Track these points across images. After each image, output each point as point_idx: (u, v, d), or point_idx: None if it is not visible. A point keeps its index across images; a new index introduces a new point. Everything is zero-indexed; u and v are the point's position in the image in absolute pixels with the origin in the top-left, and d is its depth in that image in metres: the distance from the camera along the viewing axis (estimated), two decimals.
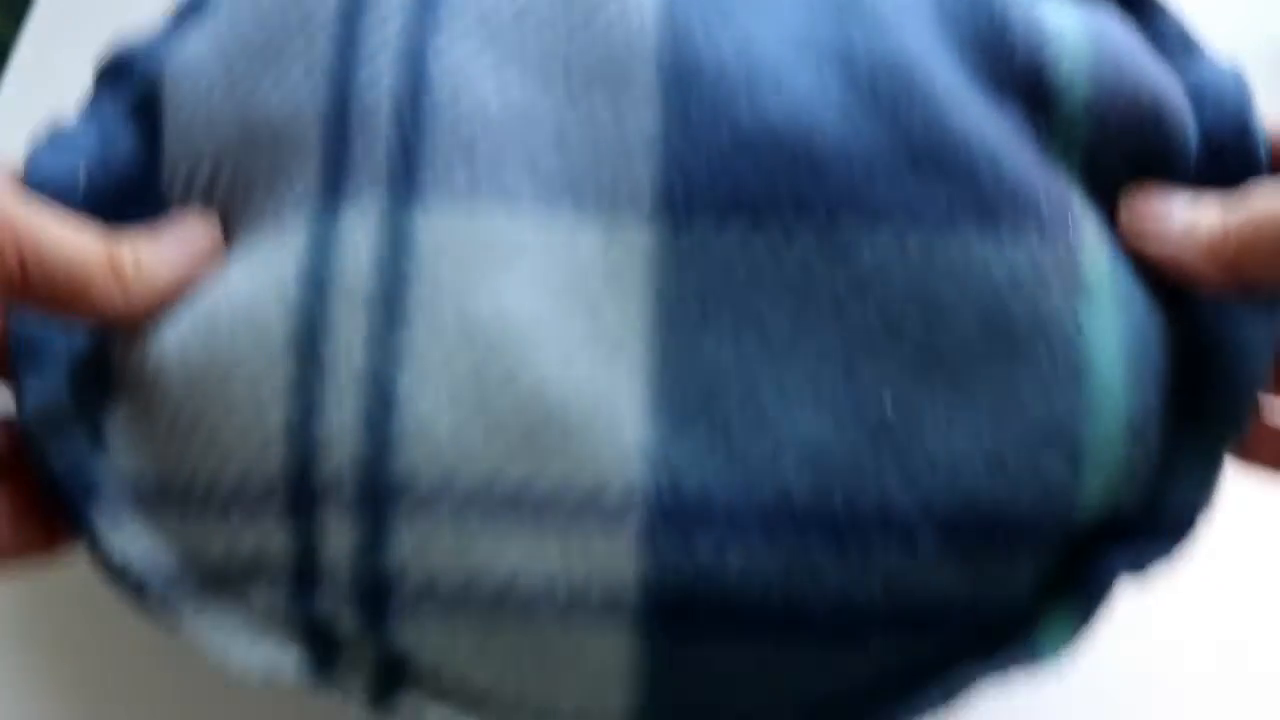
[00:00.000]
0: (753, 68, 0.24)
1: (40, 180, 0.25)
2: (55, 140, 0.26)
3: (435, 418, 0.23)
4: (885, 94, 0.24)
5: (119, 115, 0.27)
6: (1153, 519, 0.24)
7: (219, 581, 0.24)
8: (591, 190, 0.24)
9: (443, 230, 0.23)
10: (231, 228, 0.25)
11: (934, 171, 0.24)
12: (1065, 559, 0.24)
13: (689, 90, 0.24)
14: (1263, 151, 0.25)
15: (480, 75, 0.24)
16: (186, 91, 0.26)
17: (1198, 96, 0.26)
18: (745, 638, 0.23)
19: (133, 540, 0.24)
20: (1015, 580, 0.23)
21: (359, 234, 0.23)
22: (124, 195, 0.26)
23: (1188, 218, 0.24)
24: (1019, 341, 0.23)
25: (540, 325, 0.23)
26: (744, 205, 0.24)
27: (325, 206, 0.24)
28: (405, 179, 0.24)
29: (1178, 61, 0.26)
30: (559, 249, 0.24)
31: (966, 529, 0.23)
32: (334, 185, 0.24)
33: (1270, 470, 0.26)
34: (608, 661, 0.23)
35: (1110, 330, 0.24)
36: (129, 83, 0.27)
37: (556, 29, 0.25)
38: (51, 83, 0.50)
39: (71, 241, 0.22)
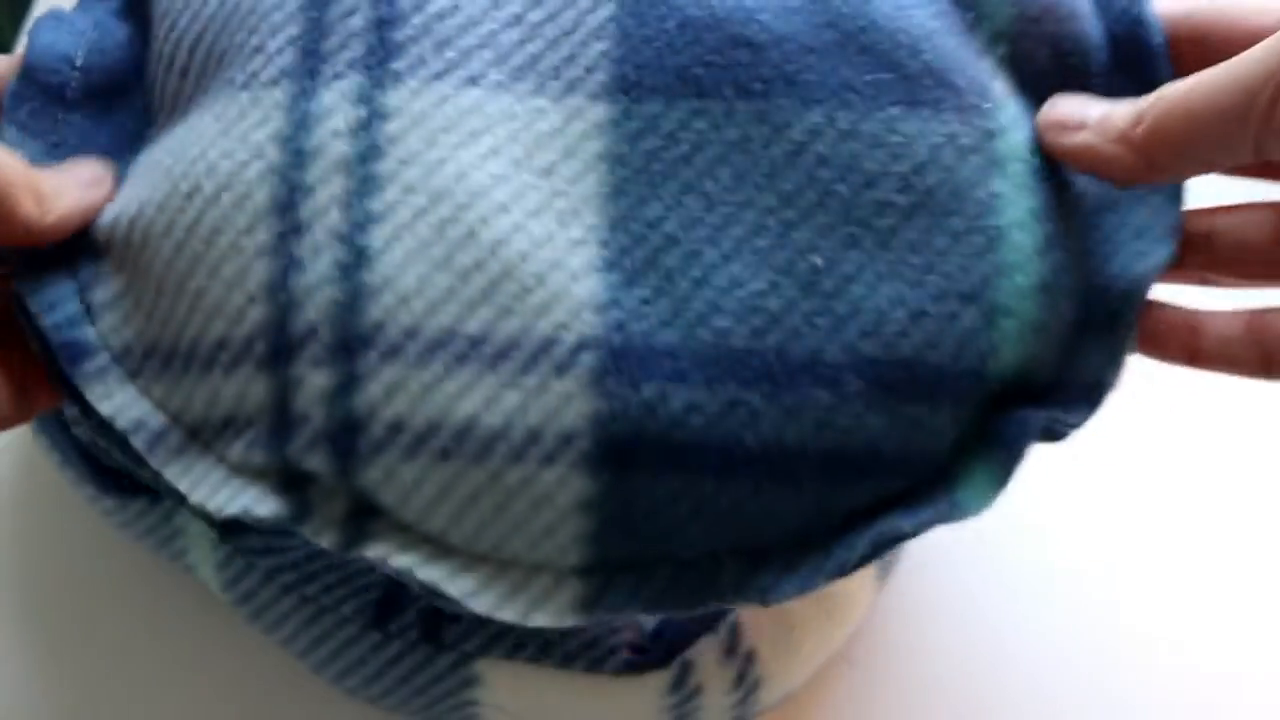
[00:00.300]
0: None
1: (39, 55, 0.28)
2: (56, 21, 0.28)
3: (403, 270, 0.25)
4: None
5: (111, 10, 0.29)
6: (1064, 384, 0.26)
7: (201, 436, 0.25)
8: (551, 73, 0.26)
9: (414, 107, 0.26)
10: (201, 96, 0.28)
11: (862, 57, 0.26)
12: (984, 417, 0.26)
13: None
14: (1160, 51, 0.28)
15: None
16: None
17: (1100, 4, 0.29)
18: (686, 473, 0.24)
19: (119, 401, 0.26)
20: (937, 430, 0.25)
21: (336, 108, 0.26)
22: (116, 83, 0.28)
23: (1103, 109, 0.26)
24: (937, 207, 0.26)
25: (501, 189, 0.25)
26: (689, 85, 0.26)
27: (304, 83, 0.26)
28: (380, 64, 0.26)
29: None
30: (520, 125, 0.26)
31: (889, 374, 0.25)
32: (312, 66, 0.26)
33: (1181, 363, 0.28)
34: (560, 499, 0.24)
35: (1023, 200, 0.26)
36: None
37: None
38: None
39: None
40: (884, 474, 0.25)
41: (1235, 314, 0.28)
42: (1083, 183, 0.27)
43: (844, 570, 0.25)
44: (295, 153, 0.25)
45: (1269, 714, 0.34)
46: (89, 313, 0.26)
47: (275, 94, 0.26)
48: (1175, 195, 0.27)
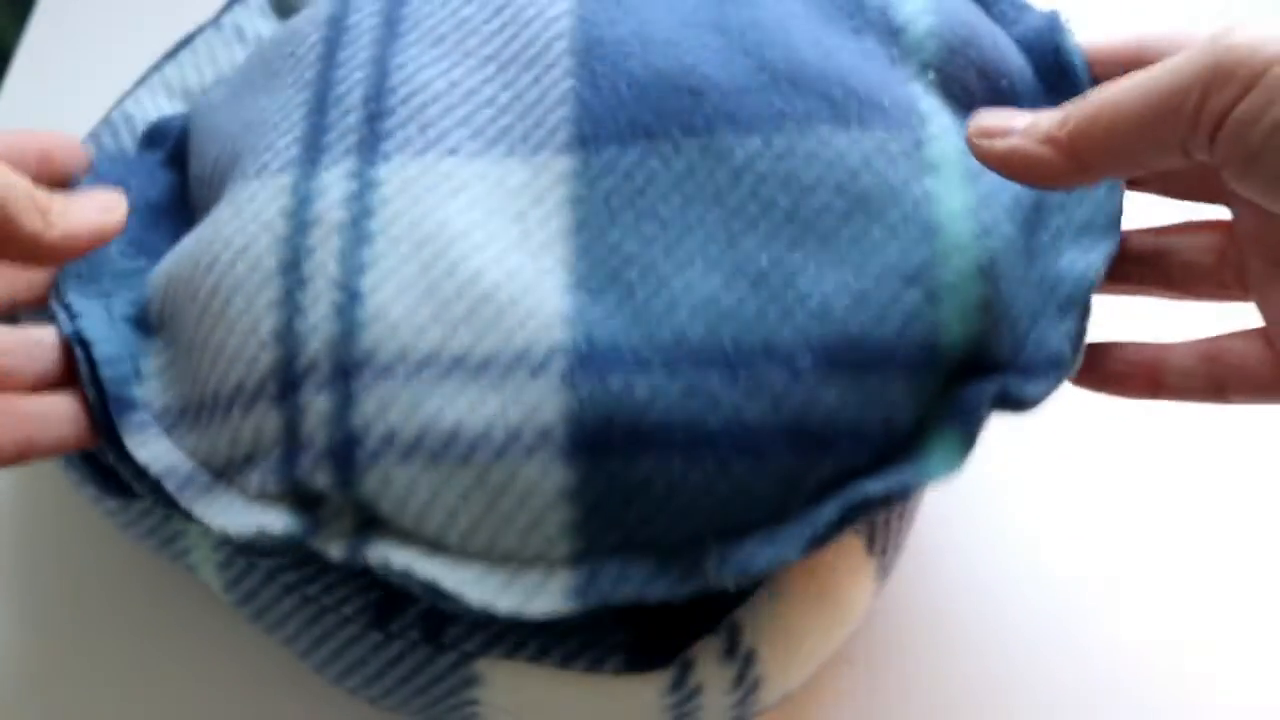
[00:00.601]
0: (646, 38, 0.31)
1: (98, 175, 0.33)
2: (111, 159, 0.34)
3: (392, 304, 0.28)
4: (752, 42, 0.30)
5: (158, 161, 0.35)
6: (1022, 361, 0.28)
7: (225, 475, 0.29)
8: (520, 139, 0.30)
9: (401, 175, 0.29)
10: (220, 192, 0.32)
11: (793, 90, 0.29)
12: (944, 389, 0.27)
13: (594, 58, 0.31)
14: (1079, 66, 0.30)
15: (430, 68, 0.31)
16: (203, 121, 0.34)
17: (1026, 35, 0.32)
18: (657, 455, 0.26)
19: (154, 450, 0.29)
20: (894, 401, 0.27)
21: (334, 184, 0.29)
22: (160, 216, 0.34)
23: (1029, 116, 0.27)
24: (873, 206, 0.28)
25: (478, 232, 0.29)
26: (639, 131, 0.29)
27: (306, 169, 0.30)
28: (371, 145, 0.30)
29: (1009, 17, 0.33)
30: (494, 181, 0.29)
31: (839, 351, 0.27)
32: (314, 156, 0.30)
33: (1146, 397, 0.29)
34: (543, 490, 0.26)
35: (957, 195, 0.28)
36: (164, 141, 0.35)
37: (489, 31, 0.32)
38: (54, 82, 0.50)
39: None
40: (846, 445, 0.27)
41: (1190, 345, 0.29)
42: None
43: (819, 537, 0.26)
44: (299, 223, 0.29)
45: (1266, 716, 0.34)
46: (138, 375, 0.30)
47: (282, 179, 0.30)
48: (1114, 187, 0.29)
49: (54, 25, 0.52)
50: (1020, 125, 0.27)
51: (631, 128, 0.29)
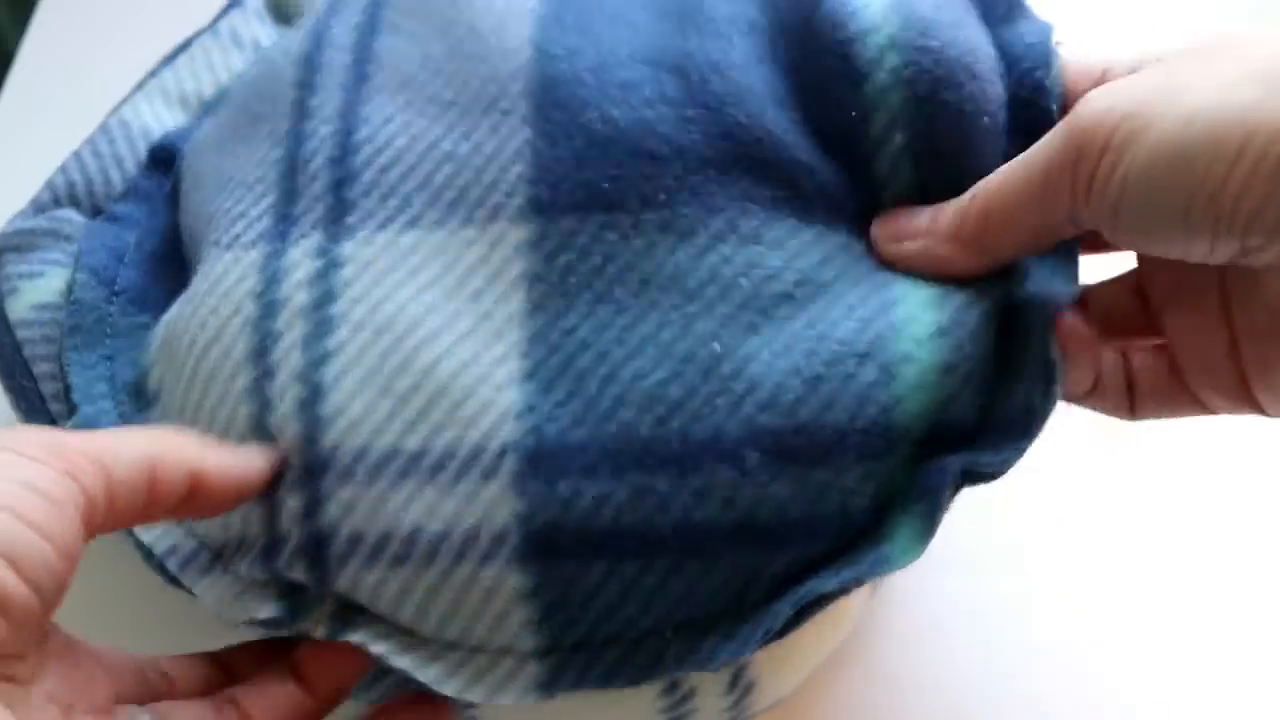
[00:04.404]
0: (604, 83, 0.29)
1: (84, 290, 0.33)
2: (109, 219, 0.35)
3: (352, 400, 0.28)
4: (715, 95, 0.29)
5: (161, 199, 0.35)
6: (991, 421, 0.27)
7: (222, 555, 0.29)
8: (477, 202, 0.29)
9: (364, 254, 0.29)
10: (199, 248, 0.32)
11: (761, 171, 0.29)
12: (904, 468, 0.26)
13: (551, 107, 0.29)
14: (1054, 106, 0.29)
15: (393, 121, 0.31)
16: (193, 164, 0.34)
17: (1007, 55, 0.30)
18: (609, 559, 0.26)
19: (158, 531, 0.30)
20: (849, 489, 0.26)
21: (300, 263, 0.29)
22: (160, 261, 0.34)
23: (928, 214, 0.28)
24: (834, 294, 0.27)
25: (434, 318, 0.28)
26: (597, 199, 0.28)
27: (275, 242, 0.30)
28: (336, 218, 0.30)
29: (998, 24, 0.30)
30: (452, 257, 0.29)
31: (789, 443, 0.26)
32: (282, 225, 0.30)
33: (1118, 414, 0.30)
34: (503, 592, 0.26)
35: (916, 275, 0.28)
36: (166, 166, 0.35)
37: (450, 71, 0.31)
38: (55, 84, 0.50)
39: (138, 432, 0.25)
40: (800, 539, 0.26)
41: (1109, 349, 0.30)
42: None
43: (773, 634, 0.26)
44: (267, 305, 0.29)
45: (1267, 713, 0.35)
46: None
47: (253, 254, 0.30)
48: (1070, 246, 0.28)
49: (55, 27, 0.52)
50: (924, 225, 0.28)
51: (589, 195, 0.29)
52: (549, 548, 0.26)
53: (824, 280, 0.28)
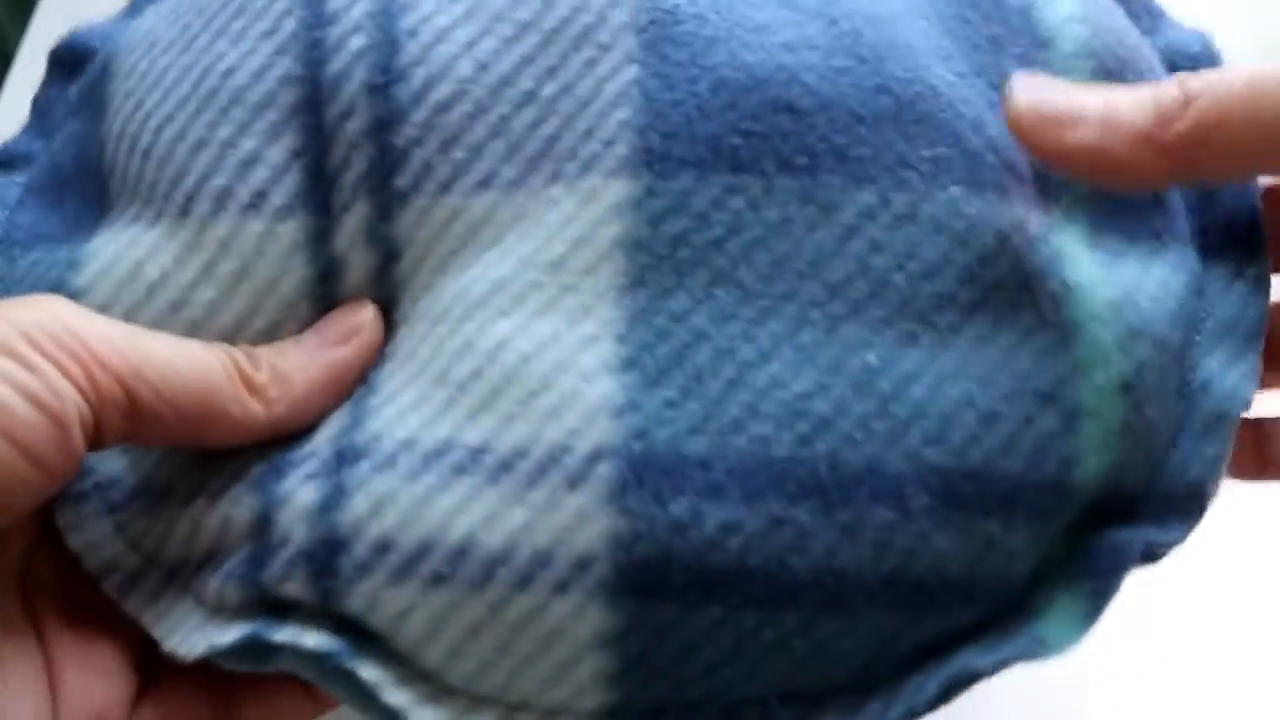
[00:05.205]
0: (732, 22, 0.24)
1: None
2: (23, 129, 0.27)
3: (402, 390, 0.23)
4: (869, 45, 0.24)
5: (66, 110, 0.27)
6: (1157, 496, 0.23)
7: (174, 574, 0.23)
8: (567, 154, 0.23)
9: (420, 237, 0.24)
10: (137, 184, 0.25)
11: (918, 128, 0.23)
12: (1069, 539, 0.23)
13: (665, 43, 0.24)
14: None
15: (453, 35, 0.24)
16: (137, 58, 0.26)
17: (1169, 55, 0.26)
18: (724, 604, 0.21)
19: (91, 537, 0.23)
20: (1014, 551, 0.22)
21: (351, 258, 0.24)
22: (72, 180, 0.26)
23: (1104, 100, 0.22)
24: (1004, 301, 0.23)
25: (501, 296, 0.23)
26: (723, 157, 0.23)
27: (317, 220, 0.24)
28: (384, 182, 0.24)
29: (1145, 26, 0.27)
30: (531, 222, 0.23)
31: (959, 486, 0.22)
32: (319, 190, 0.24)
33: (1250, 477, 0.26)
34: (575, 633, 0.21)
35: (1100, 291, 0.23)
36: (75, 69, 0.27)
37: None
38: None
39: (182, 364, 0.21)
40: (954, 602, 0.22)
41: None
42: (1162, 270, 0.24)
43: (913, 716, 0.22)
44: (320, 296, 0.24)
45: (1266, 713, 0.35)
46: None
47: (287, 230, 0.24)
48: (1260, 284, 0.24)
49: (55, 27, 0.52)
50: (1092, 111, 0.22)
51: (713, 151, 0.23)
52: (650, 583, 0.21)
53: (993, 280, 0.23)
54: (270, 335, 0.23)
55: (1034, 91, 0.22)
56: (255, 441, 0.22)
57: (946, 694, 0.21)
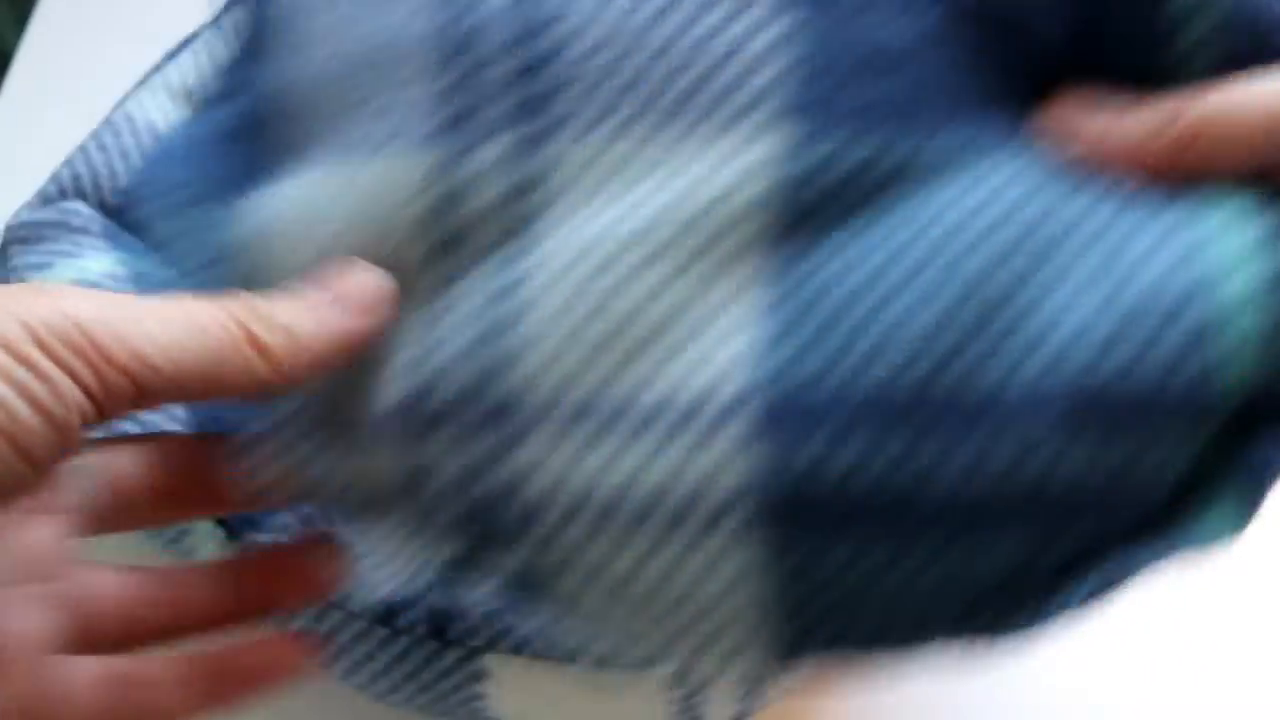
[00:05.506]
0: None
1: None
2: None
3: (542, 336, 0.23)
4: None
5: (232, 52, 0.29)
6: None
7: (370, 502, 0.25)
8: (708, 106, 0.23)
9: (572, 159, 0.24)
10: (298, 140, 0.26)
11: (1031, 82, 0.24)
12: (1214, 444, 0.23)
13: None
14: None
15: None
16: (293, 22, 0.28)
17: None
18: (868, 532, 0.22)
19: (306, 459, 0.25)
20: (1156, 464, 0.22)
21: (488, 175, 0.24)
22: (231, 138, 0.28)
23: (1128, 118, 0.23)
24: (1126, 222, 0.23)
25: (647, 242, 0.23)
26: (889, 114, 0.23)
27: (452, 147, 0.24)
28: (530, 118, 0.24)
29: None
30: (676, 171, 0.23)
31: (1088, 406, 0.22)
32: (460, 125, 0.24)
33: None
34: (727, 574, 0.22)
35: (1230, 200, 0.23)
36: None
37: None
38: (54, 84, 0.50)
39: (189, 341, 0.21)
40: (1097, 512, 0.22)
41: None
42: None
43: (1067, 613, 0.23)
44: (450, 233, 0.24)
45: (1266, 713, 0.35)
46: None
47: (421, 161, 0.24)
48: None
49: (54, 26, 0.52)
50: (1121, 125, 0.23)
51: (874, 107, 0.23)
52: (795, 514, 0.22)
53: (1115, 210, 0.23)
54: (394, 260, 0.24)
55: (1071, 107, 0.24)
56: (265, 394, 0.23)
57: (1100, 592, 0.22)
